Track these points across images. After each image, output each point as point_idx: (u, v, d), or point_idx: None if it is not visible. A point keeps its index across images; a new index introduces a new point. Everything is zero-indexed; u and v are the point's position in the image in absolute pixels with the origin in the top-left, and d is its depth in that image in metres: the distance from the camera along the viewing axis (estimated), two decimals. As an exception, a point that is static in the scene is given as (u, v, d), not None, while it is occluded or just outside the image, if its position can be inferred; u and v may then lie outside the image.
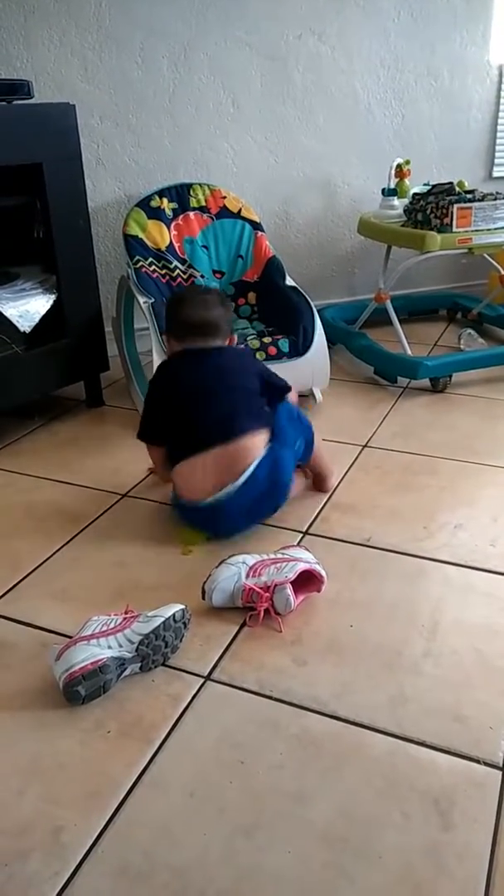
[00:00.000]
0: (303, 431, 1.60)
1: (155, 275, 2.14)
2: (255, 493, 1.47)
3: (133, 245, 2.16)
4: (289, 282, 2.26)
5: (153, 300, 2.02)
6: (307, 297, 2.17)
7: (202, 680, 1.15)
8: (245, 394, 1.54)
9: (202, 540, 1.50)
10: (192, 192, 2.28)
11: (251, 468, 1.46)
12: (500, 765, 0.99)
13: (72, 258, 1.99)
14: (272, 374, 1.64)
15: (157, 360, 1.92)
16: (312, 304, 2.14)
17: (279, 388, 1.62)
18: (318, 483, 1.69)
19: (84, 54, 2.23)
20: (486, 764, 0.99)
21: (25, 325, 1.92)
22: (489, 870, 0.86)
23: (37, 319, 1.94)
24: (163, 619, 1.17)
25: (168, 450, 1.56)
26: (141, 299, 2.03)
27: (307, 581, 1.32)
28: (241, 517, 1.50)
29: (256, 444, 1.48)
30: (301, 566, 1.30)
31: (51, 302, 1.97)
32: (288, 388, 1.64)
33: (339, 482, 1.72)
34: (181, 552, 1.48)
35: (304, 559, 1.33)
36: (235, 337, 1.64)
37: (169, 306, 1.62)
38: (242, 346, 1.88)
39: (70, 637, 1.16)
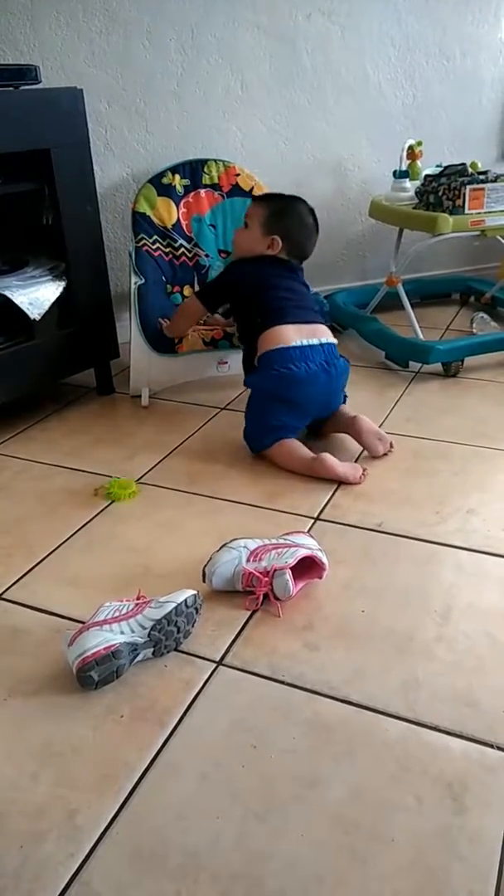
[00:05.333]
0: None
1: (157, 253, 2.14)
2: (331, 357, 1.76)
3: (139, 222, 2.15)
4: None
5: (143, 282, 2.04)
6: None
7: (214, 665, 1.15)
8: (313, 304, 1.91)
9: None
10: (206, 169, 2.26)
11: (324, 338, 1.78)
12: (514, 749, 0.99)
13: (81, 244, 1.98)
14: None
15: (134, 345, 2.01)
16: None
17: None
18: (355, 430, 1.81)
19: (91, 38, 2.21)
20: (499, 749, 0.99)
21: (35, 313, 1.92)
22: (502, 853, 0.86)
23: (46, 307, 1.94)
24: (175, 605, 1.17)
25: (245, 322, 1.86)
26: (132, 279, 2.06)
27: (308, 567, 1.31)
28: (323, 373, 1.74)
29: (324, 329, 1.82)
30: (302, 552, 1.29)
31: (60, 289, 1.97)
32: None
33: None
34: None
35: (306, 545, 1.32)
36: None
37: (294, 218, 1.86)
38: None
39: (83, 623, 1.16)
